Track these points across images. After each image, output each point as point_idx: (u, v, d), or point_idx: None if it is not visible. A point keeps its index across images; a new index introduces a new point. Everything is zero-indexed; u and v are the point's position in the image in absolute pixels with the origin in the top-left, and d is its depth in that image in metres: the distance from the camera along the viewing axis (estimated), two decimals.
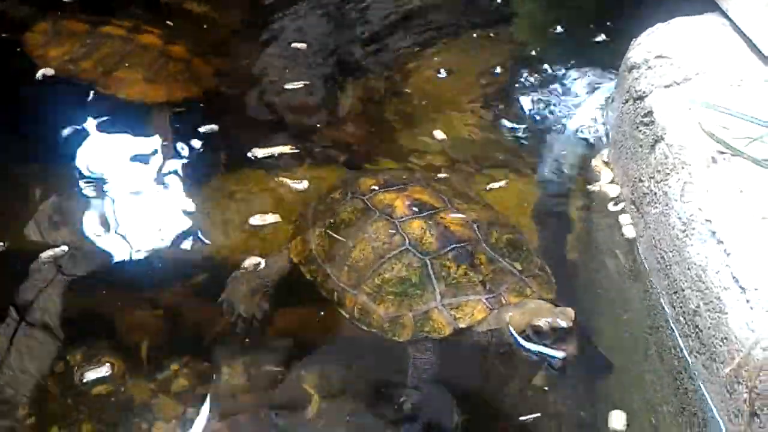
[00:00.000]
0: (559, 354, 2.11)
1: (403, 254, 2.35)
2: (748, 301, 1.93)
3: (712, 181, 2.25)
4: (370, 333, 2.33)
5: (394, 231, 2.42)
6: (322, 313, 2.64)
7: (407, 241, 2.37)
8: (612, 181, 2.97)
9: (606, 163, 3.09)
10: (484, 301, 2.24)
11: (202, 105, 3.49)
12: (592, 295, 2.69)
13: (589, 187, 3.02)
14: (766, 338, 1.84)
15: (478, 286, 2.27)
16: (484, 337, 2.24)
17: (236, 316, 2.57)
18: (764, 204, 2.10)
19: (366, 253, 2.41)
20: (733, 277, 2.00)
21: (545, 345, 2.12)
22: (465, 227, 2.42)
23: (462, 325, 2.22)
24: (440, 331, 2.23)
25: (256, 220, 2.90)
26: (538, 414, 2.25)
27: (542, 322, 2.09)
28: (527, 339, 2.14)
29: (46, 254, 2.74)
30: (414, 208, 2.48)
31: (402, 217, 2.45)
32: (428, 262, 2.32)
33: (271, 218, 2.90)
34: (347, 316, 2.37)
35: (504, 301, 2.24)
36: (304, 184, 3.07)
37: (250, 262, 2.68)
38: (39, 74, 3.48)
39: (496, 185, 3.05)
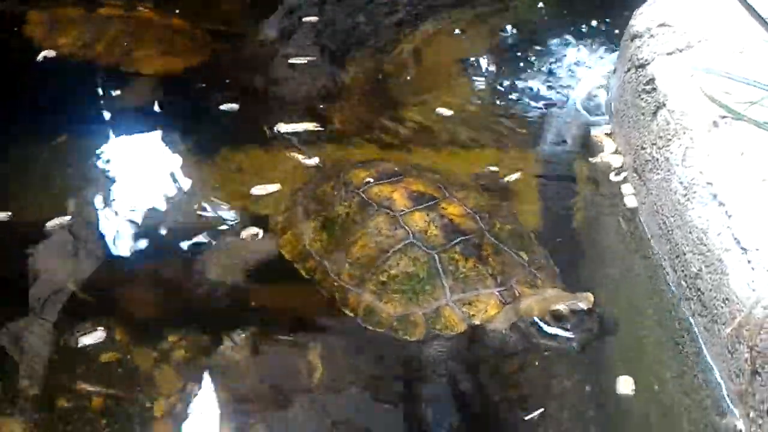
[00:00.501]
0: (581, 336, 2.10)
1: (408, 248, 2.28)
2: (749, 261, 1.93)
3: (713, 145, 2.24)
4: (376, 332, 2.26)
5: (395, 225, 2.34)
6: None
7: (411, 235, 2.30)
8: (615, 152, 2.97)
9: (608, 135, 3.09)
10: (497, 294, 2.19)
11: (205, 78, 3.51)
12: (594, 264, 2.69)
13: (591, 159, 3.02)
14: (766, 297, 1.84)
15: (488, 279, 2.22)
16: (501, 333, 2.18)
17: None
18: (765, 166, 2.09)
19: (368, 248, 2.33)
20: (735, 239, 2.00)
21: (566, 329, 2.10)
22: (468, 218, 2.37)
23: (476, 322, 2.17)
24: (453, 328, 2.16)
25: (257, 189, 2.90)
26: (542, 409, 2.16)
27: (562, 306, 2.09)
28: (548, 325, 2.12)
29: (51, 223, 2.75)
30: (413, 200, 2.41)
31: (402, 210, 2.38)
32: (436, 256, 2.25)
33: (273, 187, 2.90)
34: (352, 315, 2.28)
35: (517, 294, 2.19)
36: (315, 160, 3.06)
37: (248, 232, 2.69)
38: (40, 56, 3.52)
39: (513, 177, 2.96)
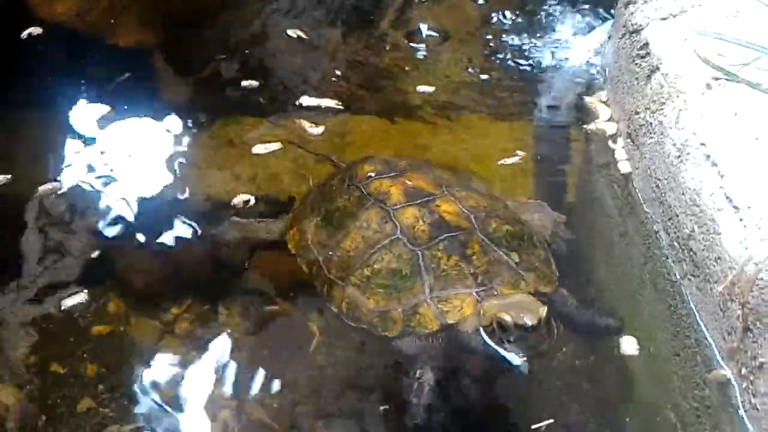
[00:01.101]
0: (516, 356, 2.02)
1: (394, 244, 2.23)
2: (741, 219, 1.93)
3: (706, 106, 2.24)
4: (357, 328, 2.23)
5: (386, 219, 2.30)
6: None
7: (398, 230, 2.25)
8: (609, 119, 2.96)
9: (603, 102, 3.08)
10: (474, 294, 2.11)
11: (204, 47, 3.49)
12: (588, 231, 2.70)
13: (585, 125, 3.01)
14: (758, 254, 1.84)
15: (468, 278, 2.14)
16: (467, 335, 2.10)
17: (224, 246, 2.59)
18: (758, 125, 2.09)
19: (357, 242, 2.30)
20: (727, 198, 2.00)
21: (507, 342, 2.01)
22: (461, 217, 2.29)
23: (450, 321, 2.09)
24: (426, 326, 2.11)
25: (259, 148, 2.90)
26: (551, 420, 2.10)
27: (507, 317, 1.97)
28: (491, 334, 2.03)
29: (43, 188, 2.76)
30: (409, 196, 2.35)
31: (396, 205, 2.32)
32: (419, 252, 2.19)
33: (274, 146, 2.91)
34: (335, 310, 2.26)
35: (495, 294, 2.11)
36: (320, 129, 3.05)
37: (239, 199, 2.69)
38: (25, 34, 3.47)
39: (509, 161, 2.91)
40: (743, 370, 1.87)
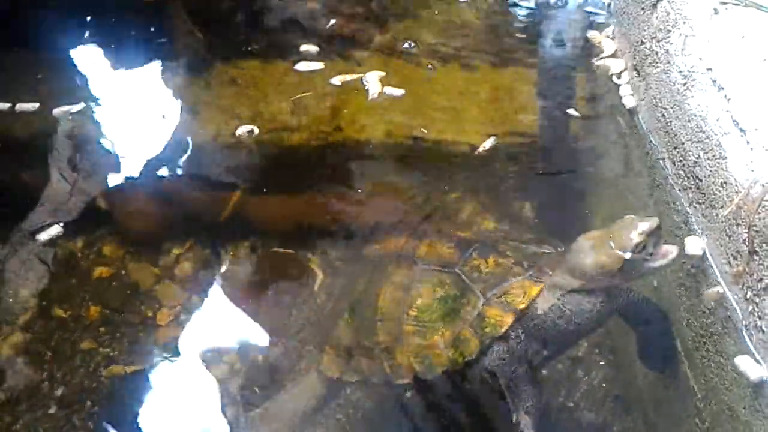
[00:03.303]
0: (665, 261, 1.89)
1: (427, 275, 2.05)
2: (748, 142, 1.89)
3: (713, 31, 2.19)
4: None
5: (409, 263, 2.11)
6: (324, 197, 2.65)
7: (426, 264, 2.07)
8: (614, 53, 2.91)
9: (609, 38, 3.03)
10: (528, 277, 1.96)
11: None
12: (594, 166, 2.68)
13: (591, 60, 2.96)
14: (765, 176, 1.81)
15: (514, 268, 1.99)
16: (562, 306, 1.93)
17: None
18: (766, 47, 2.04)
19: (390, 294, 2.07)
20: (734, 121, 1.96)
21: (650, 256, 1.87)
22: (478, 235, 2.18)
23: (521, 307, 1.93)
24: (500, 324, 1.92)
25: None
26: None
27: (637, 240, 1.83)
28: (630, 268, 1.87)
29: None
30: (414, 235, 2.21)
31: (413, 252, 2.14)
32: (458, 271, 2.02)
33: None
34: (405, 375, 1.97)
35: (549, 272, 1.96)
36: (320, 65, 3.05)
37: (242, 130, 2.67)
38: None
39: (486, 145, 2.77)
40: (749, 294, 1.85)
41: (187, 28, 3.32)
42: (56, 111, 2.83)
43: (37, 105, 2.87)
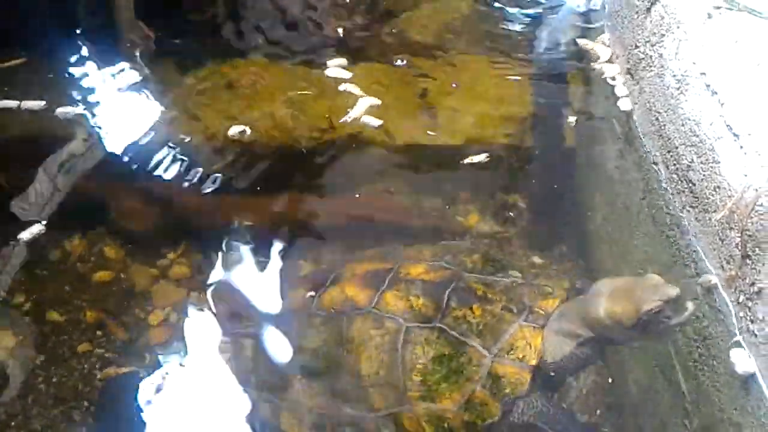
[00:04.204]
0: (681, 318, 1.84)
1: (412, 335, 1.93)
2: (741, 147, 1.90)
3: (707, 35, 2.19)
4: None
5: (377, 320, 1.98)
6: (316, 197, 2.64)
7: (400, 319, 1.95)
8: (609, 57, 2.92)
9: (604, 44, 3.03)
10: (523, 324, 1.90)
11: None
12: (588, 171, 2.68)
13: (585, 64, 2.97)
14: (758, 180, 1.81)
15: (506, 314, 1.91)
16: (567, 356, 1.90)
17: None
18: (759, 51, 2.05)
19: (374, 358, 1.95)
20: (727, 126, 1.97)
21: (667, 319, 1.82)
22: (434, 269, 2.05)
23: (533, 362, 1.87)
24: (521, 383, 1.85)
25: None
26: None
27: (654, 305, 1.79)
28: (644, 327, 1.82)
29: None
30: (370, 285, 2.04)
31: (370, 302, 2.00)
32: (440, 326, 1.92)
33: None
34: None
35: (542, 312, 1.91)
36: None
37: (235, 130, 2.68)
38: None
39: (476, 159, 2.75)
40: (741, 298, 1.86)
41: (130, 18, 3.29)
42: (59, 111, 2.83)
43: (43, 103, 2.85)
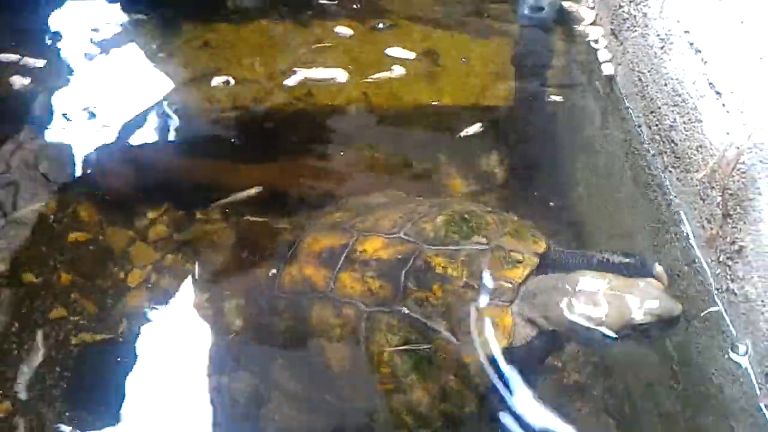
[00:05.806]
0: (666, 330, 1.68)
1: (375, 322, 1.78)
2: (723, 105, 1.88)
3: None
4: None
5: (335, 306, 1.83)
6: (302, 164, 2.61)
7: (361, 305, 1.80)
8: (593, 22, 2.88)
9: (588, 7, 3.00)
10: (493, 305, 1.74)
11: None
12: (571, 134, 2.65)
13: (568, 27, 2.93)
14: (739, 138, 1.80)
15: (468, 292, 1.74)
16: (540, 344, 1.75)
17: None
18: (743, 8, 2.01)
19: (339, 351, 1.82)
20: (710, 84, 1.95)
21: (655, 330, 1.66)
22: (393, 244, 1.87)
23: (504, 345, 1.71)
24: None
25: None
26: None
27: (648, 318, 1.62)
28: (625, 336, 1.66)
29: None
30: (326, 265, 1.89)
31: (327, 285, 1.86)
32: (401, 309, 1.75)
33: None
34: None
35: (508, 285, 1.74)
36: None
37: (218, 80, 2.65)
38: None
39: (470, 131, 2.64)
40: (721, 257, 1.85)
41: None
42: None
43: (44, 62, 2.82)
